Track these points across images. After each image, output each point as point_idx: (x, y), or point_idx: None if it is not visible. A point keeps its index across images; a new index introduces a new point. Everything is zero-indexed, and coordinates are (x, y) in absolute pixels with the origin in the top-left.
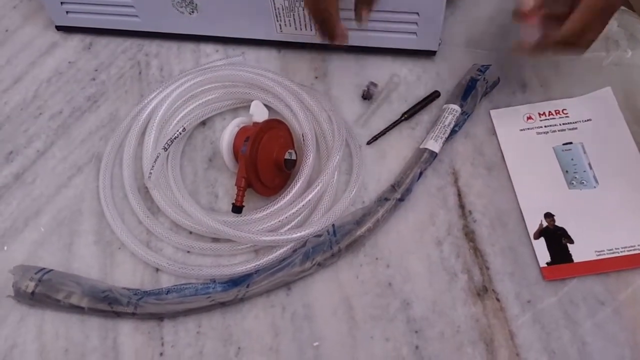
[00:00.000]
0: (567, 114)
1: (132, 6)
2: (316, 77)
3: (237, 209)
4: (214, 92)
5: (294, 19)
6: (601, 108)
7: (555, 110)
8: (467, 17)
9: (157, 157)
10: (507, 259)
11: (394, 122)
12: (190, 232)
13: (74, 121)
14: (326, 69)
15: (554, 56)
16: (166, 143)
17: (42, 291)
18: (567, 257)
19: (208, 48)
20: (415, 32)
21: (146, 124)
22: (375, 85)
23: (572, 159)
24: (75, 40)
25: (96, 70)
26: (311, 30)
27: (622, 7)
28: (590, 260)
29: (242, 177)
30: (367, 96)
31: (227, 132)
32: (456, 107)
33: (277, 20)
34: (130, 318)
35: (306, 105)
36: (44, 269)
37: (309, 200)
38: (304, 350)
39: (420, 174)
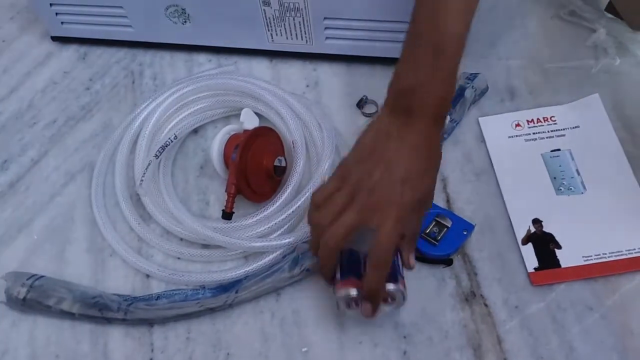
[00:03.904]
0: (555, 121)
1: (125, 16)
2: (307, 86)
3: (227, 215)
4: (205, 100)
5: (285, 28)
6: (589, 115)
7: (544, 117)
8: None
9: (149, 164)
10: (495, 265)
11: None
12: (181, 239)
13: (68, 130)
14: (317, 77)
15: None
16: (157, 150)
17: (34, 297)
18: (554, 263)
19: (201, 58)
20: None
21: (139, 132)
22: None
23: (560, 166)
24: (70, 50)
25: (90, 79)
26: (302, 39)
27: (611, 16)
28: (578, 266)
29: (232, 184)
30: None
31: (217, 140)
32: None
33: (268, 30)
34: (121, 324)
35: (296, 113)
36: (35, 275)
37: (299, 206)
38: (293, 355)
39: None
